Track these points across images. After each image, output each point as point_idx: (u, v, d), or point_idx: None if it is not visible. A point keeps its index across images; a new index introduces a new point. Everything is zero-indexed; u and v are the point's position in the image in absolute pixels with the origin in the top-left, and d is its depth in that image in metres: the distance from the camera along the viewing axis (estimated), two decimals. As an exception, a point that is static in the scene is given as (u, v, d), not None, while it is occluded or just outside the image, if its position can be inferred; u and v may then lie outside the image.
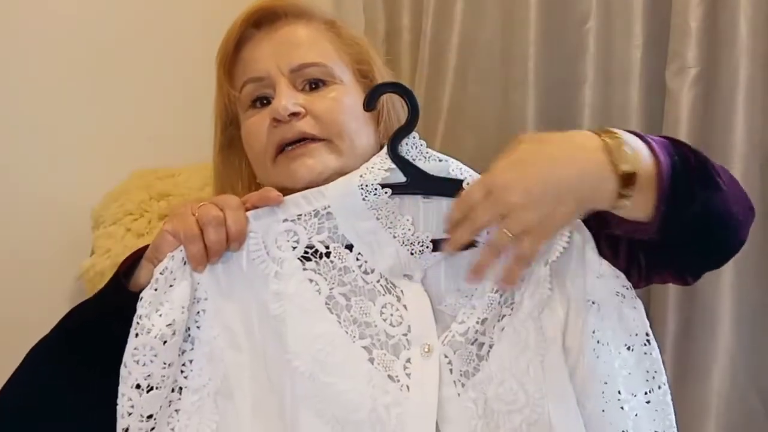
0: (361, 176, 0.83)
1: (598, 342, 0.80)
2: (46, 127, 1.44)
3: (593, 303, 0.81)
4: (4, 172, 1.40)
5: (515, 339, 0.82)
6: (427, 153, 0.84)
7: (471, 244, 0.83)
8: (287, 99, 0.94)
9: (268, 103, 0.97)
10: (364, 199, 0.82)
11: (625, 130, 0.81)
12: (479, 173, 0.84)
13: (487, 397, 0.81)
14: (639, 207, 0.79)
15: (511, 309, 0.83)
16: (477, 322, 0.82)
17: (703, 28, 1.22)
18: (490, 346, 0.83)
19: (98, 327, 0.82)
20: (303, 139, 0.95)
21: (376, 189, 0.82)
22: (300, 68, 0.97)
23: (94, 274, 1.35)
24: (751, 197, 1.23)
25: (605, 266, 0.82)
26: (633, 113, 1.32)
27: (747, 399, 1.28)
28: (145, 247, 0.85)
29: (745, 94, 1.22)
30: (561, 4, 1.39)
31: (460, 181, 0.84)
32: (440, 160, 0.85)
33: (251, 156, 1.00)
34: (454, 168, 0.84)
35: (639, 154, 0.78)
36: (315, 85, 0.98)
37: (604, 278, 0.81)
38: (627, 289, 0.82)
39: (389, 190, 0.83)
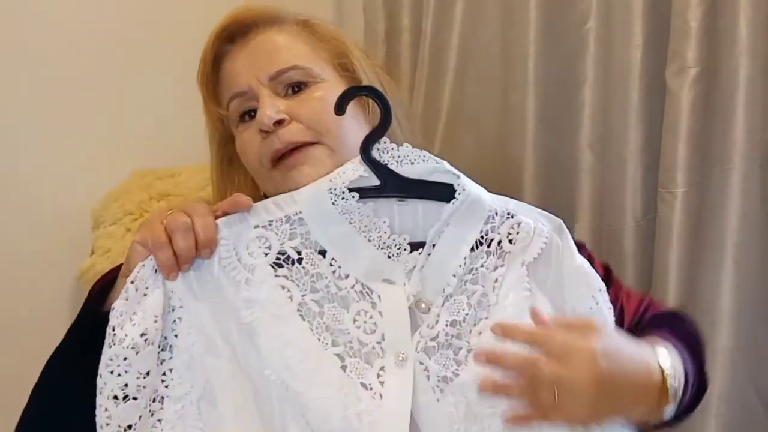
0: (330, 180, 0.83)
1: None
2: (46, 127, 1.44)
3: (572, 308, 0.83)
4: (4, 172, 1.40)
5: (492, 342, 0.81)
6: (399, 157, 0.84)
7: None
8: (270, 108, 0.94)
9: (255, 115, 0.97)
10: (333, 204, 0.82)
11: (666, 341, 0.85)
12: (475, 176, 0.85)
13: (468, 401, 0.81)
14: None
15: (487, 311, 0.84)
16: (446, 325, 0.82)
17: (703, 28, 1.22)
18: (468, 351, 0.83)
19: (78, 362, 0.82)
20: (295, 147, 0.95)
21: (344, 193, 0.82)
22: (278, 75, 0.97)
23: (94, 274, 1.35)
24: (751, 197, 1.25)
25: (583, 269, 0.83)
26: (633, 113, 1.32)
27: (747, 399, 1.28)
28: (117, 268, 0.84)
29: (745, 94, 1.22)
30: (561, 4, 1.39)
31: (435, 183, 0.84)
32: (420, 161, 0.85)
33: (250, 170, 1.00)
34: (446, 165, 0.85)
35: (680, 389, 0.82)
36: (297, 88, 0.97)
37: (581, 281, 0.83)
38: (601, 291, 0.84)
39: (356, 195, 0.82)
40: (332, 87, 0.97)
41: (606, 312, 0.85)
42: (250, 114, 0.99)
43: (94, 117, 1.48)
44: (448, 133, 1.51)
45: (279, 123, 0.94)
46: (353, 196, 0.82)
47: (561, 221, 0.86)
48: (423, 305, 0.84)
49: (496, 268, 0.85)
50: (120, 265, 0.84)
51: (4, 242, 1.41)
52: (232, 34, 1.00)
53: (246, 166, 1.00)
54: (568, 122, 1.41)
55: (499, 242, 0.85)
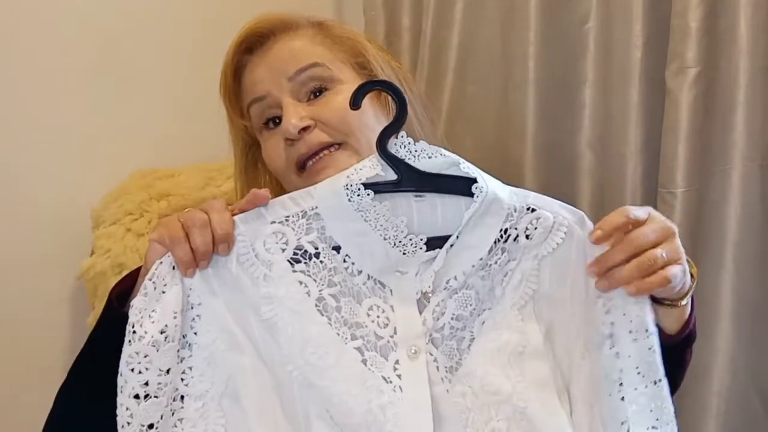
0: (347, 177, 0.83)
1: (604, 336, 0.80)
2: (46, 127, 1.44)
3: (599, 297, 0.81)
4: (4, 172, 1.40)
5: (495, 333, 0.82)
6: (417, 151, 0.84)
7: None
8: (294, 116, 0.96)
9: (280, 122, 0.98)
10: (349, 200, 0.82)
11: None
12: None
13: (473, 390, 0.81)
14: (674, 318, 0.88)
15: (491, 303, 0.84)
16: (452, 318, 0.83)
17: (703, 28, 1.22)
18: (471, 340, 0.83)
19: (105, 361, 0.81)
20: (320, 150, 0.96)
21: (359, 190, 0.82)
22: (298, 73, 0.98)
23: (94, 274, 1.35)
24: (751, 197, 1.25)
25: None
26: (633, 113, 1.32)
27: (747, 399, 1.29)
28: (136, 271, 0.84)
29: (745, 94, 1.22)
30: (561, 4, 1.39)
31: (453, 177, 0.84)
32: (436, 156, 0.84)
33: (277, 175, 1.02)
34: (463, 165, 0.84)
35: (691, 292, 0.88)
36: (318, 92, 0.98)
37: None
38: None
39: (371, 192, 0.82)
40: (352, 88, 0.98)
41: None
42: (274, 121, 1.00)
43: (95, 117, 1.48)
44: (448, 133, 1.51)
45: (304, 130, 0.95)
46: (368, 194, 0.82)
47: (583, 213, 0.85)
48: (429, 295, 0.84)
49: (508, 262, 0.85)
50: (139, 268, 0.84)
51: (4, 242, 1.41)
52: (251, 45, 1.02)
53: (273, 172, 1.02)
54: (568, 122, 1.41)
55: (516, 237, 0.85)
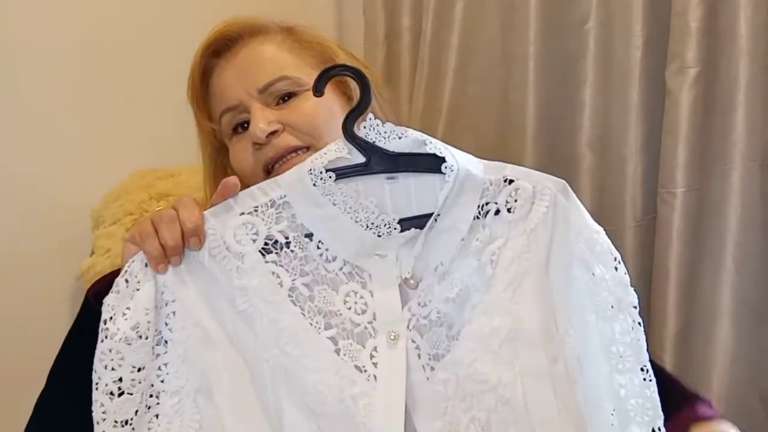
0: (311, 161, 0.82)
1: (588, 312, 0.79)
2: (46, 127, 1.44)
3: (586, 268, 0.79)
4: (4, 172, 1.40)
5: (487, 319, 0.81)
6: (386, 133, 0.82)
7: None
8: (262, 121, 0.96)
9: (247, 127, 0.99)
10: (314, 185, 0.81)
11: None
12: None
13: (459, 378, 0.80)
14: None
15: (483, 285, 0.82)
16: (440, 303, 0.81)
17: (703, 28, 1.22)
18: (462, 326, 0.82)
19: (82, 359, 0.81)
20: (288, 153, 0.96)
21: (322, 173, 0.81)
22: (266, 87, 0.98)
23: (94, 274, 1.35)
24: (751, 197, 1.25)
25: (600, 235, 0.80)
26: (633, 113, 1.32)
27: (747, 399, 1.29)
28: (116, 272, 0.84)
29: (745, 94, 1.22)
30: (561, 4, 1.39)
31: (424, 155, 0.82)
32: (406, 136, 0.83)
33: (244, 179, 1.01)
34: (429, 144, 0.82)
35: None
36: (287, 96, 0.99)
37: (596, 246, 0.79)
38: (619, 261, 0.80)
39: (333, 174, 0.81)
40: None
41: (628, 280, 0.81)
42: (242, 125, 1.00)
43: (95, 117, 1.48)
44: (448, 133, 1.51)
45: (272, 134, 0.96)
46: (330, 176, 0.81)
47: (565, 182, 0.82)
48: (411, 281, 0.83)
49: (493, 239, 0.83)
50: (119, 270, 0.85)
51: (4, 242, 1.41)
52: (219, 49, 1.02)
53: (241, 177, 1.01)
54: (568, 122, 1.41)
55: (497, 212, 0.83)
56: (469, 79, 1.51)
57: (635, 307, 0.80)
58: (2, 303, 1.41)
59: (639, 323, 0.80)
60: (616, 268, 0.80)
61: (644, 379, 0.80)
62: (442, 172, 0.82)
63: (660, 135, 1.29)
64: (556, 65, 1.41)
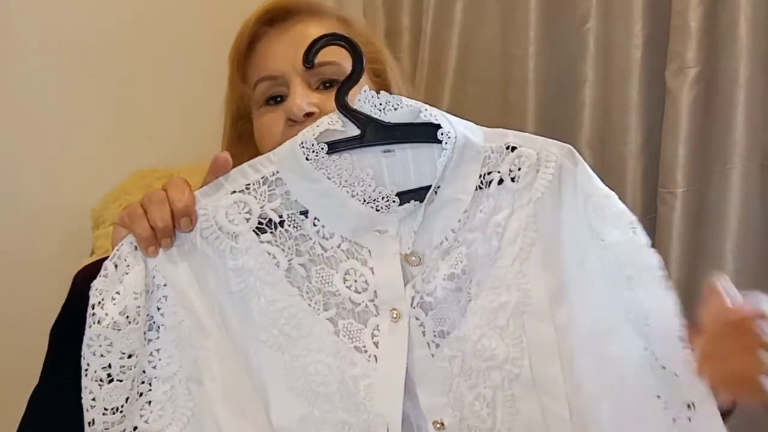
0: (303, 134, 0.79)
1: (597, 277, 0.75)
2: (46, 127, 1.44)
3: (595, 233, 0.75)
4: (4, 172, 1.40)
5: (494, 294, 0.78)
6: (381, 104, 0.79)
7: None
8: (302, 99, 0.94)
9: (282, 100, 0.97)
10: (307, 159, 0.78)
11: None
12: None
13: (465, 355, 0.78)
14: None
15: (490, 259, 0.79)
16: (444, 279, 0.79)
17: (703, 28, 1.22)
18: (468, 302, 0.79)
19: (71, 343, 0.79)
20: None
21: (313, 146, 0.78)
22: (315, 67, 0.97)
23: (94, 274, 1.35)
24: (751, 197, 1.25)
25: (613, 198, 0.76)
26: (633, 113, 1.32)
27: (747, 399, 1.28)
28: (105, 258, 0.83)
29: (745, 94, 1.22)
30: (561, 4, 1.39)
31: (420, 124, 0.79)
32: (402, 107, 0.80)
33: (263, 151, 0.99)
34: (424, 112, 0.79)
35: None
36: (329, 84, 0.97)
37: (602, 205, 0.75)
38: (634, 224, 0.75)
39: (325, 146, 0.78)
40: (361, 89, 0.98)
41: (647, 242, 0.75)
42: (276, 99, 0.98)
43: (94, 117, 1.48)
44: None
45: (308, 115, 0.94)
46: (322, 148, 0.78)
47: (570, 146, 0.78)
48: (414, 258, 0.80)
49: (497, 211, 0.79)
50: (105, 258, 0.83)
51: (4, 242, 1.41)
52: (274, 18, 1.00)
53: (260, 148, 0.99)
54: (568, 122, 1.41)
55: (500, 181, 0.79)
56: (469, 79, 1.51)
57: (660, 269, 0.74)
58: (2, 303, 1.41)
59: (665, 286, 0.73)
60: (633, 231, 0.75)
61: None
62: (440, 141, 0.79)
63: (660, 135, 1.29)
64: (556, 65, 1.41)
